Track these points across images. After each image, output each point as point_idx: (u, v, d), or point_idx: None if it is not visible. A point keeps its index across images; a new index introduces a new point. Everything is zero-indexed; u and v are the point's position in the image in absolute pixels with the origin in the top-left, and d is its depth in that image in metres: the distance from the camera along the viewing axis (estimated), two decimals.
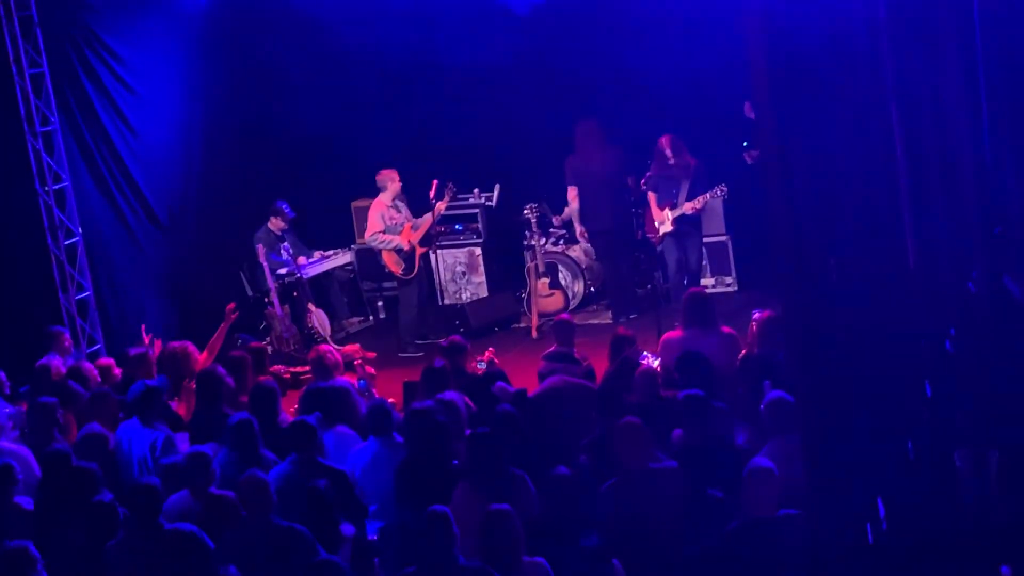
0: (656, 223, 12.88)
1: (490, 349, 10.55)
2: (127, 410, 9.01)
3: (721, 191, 12.76)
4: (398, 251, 13.29)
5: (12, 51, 12.62)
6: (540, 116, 15.16)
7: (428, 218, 13.29)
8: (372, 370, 10.66)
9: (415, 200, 13.67)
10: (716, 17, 13.40)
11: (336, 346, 13.16)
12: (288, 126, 15.92)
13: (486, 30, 15.17)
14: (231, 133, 15.21)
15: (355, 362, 10.59)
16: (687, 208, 12.69)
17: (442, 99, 15.67)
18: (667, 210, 12.77)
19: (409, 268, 13.34)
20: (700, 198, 12.68)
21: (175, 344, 10.36)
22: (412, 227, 13.34)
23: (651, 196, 12.99)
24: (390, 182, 13.42)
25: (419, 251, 13.35)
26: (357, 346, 11.18)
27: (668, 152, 12.74)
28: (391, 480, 7.65)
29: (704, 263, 13.69)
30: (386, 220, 13.37)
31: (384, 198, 13.43)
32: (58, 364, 10.31)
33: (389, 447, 8.08)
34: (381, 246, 13.37)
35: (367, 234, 13.51)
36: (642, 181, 13.04)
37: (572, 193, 13.39)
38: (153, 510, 7.10)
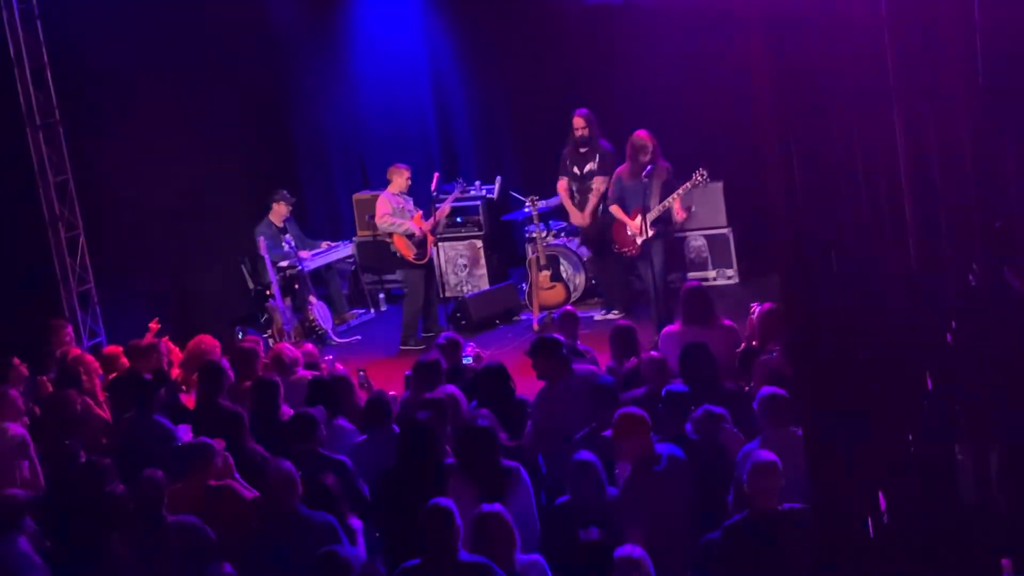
0: (630, 234, 11.99)
1: (471, 344, 10.54)
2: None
3: (701, 175, 11.83)
4: (409, 236, 13.31)
5: (13, 44, 12.62)
6: (542, 108, 15.17)
7: (437, 215, 13.32)
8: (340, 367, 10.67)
9: (416, 192, 13.68)
10: (718, 7, 13.41)
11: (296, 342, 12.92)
12: (290, 118, 15.94)
13: (486, 22, 15.20)
14: (232, 125, 15.21)
15: (322, 363, 10.58)
16: (666, 207, 11.76)
17: (444, 91, 15.68)
18: (639, 217, 11.87)
19: (422, 254, 13.35)
20: (680, 189, 11.73)
21: (197, 339, 10.50)
22: (423, 216, 13.36)
23: (616, 209, 12.16)
24: (397, 176, 13.47)
25: (430, 239, 13.37)
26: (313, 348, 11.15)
27: (651, 147, 11.89)
28: (386, 471, 7.64)
29: (705, 255, 13.66)
30: (393, 205, 13.41)
31: (391, 189, 13.48)
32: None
33: (388, 439, 8.07)
34: (392, 228, 13.38)
35: (377, 218, 13.52)
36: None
37: (562, 184, 13.12)
38: (156, 502, 7.10)
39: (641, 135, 12.09)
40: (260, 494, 7.43)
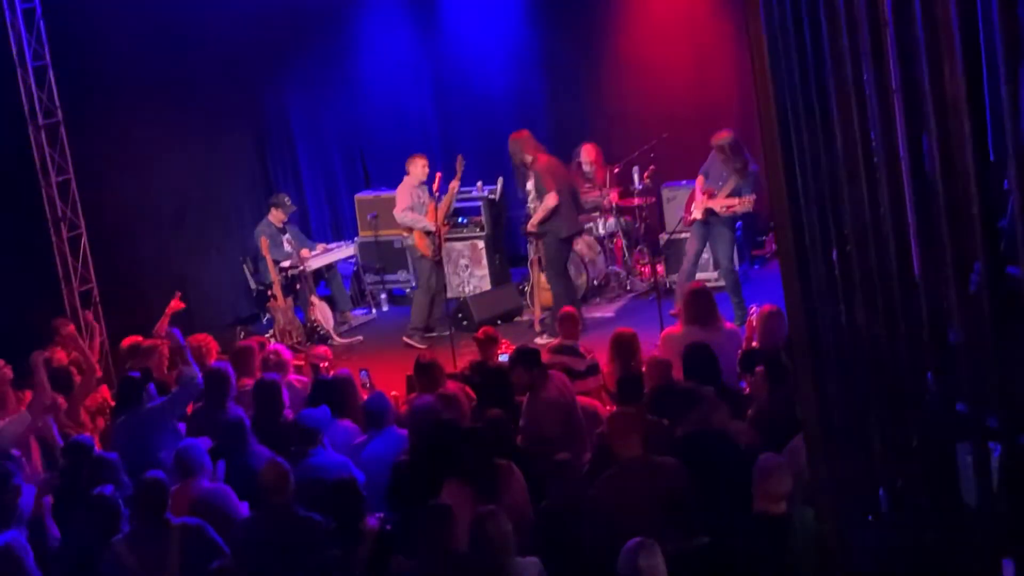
0: (692, 206, 12.50)
1: (504, 341, 10.55)
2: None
3: (750, 201, 12.08)
4: (427, 233, 13.35)
5: (15, 43, 12.63)
6: (543, 108, 15.18)
7: (446, 199, 13.36)
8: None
9: None
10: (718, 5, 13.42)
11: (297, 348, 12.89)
12: (292, 118, 15.94)
13: (486, 23, 15.21)
14: (235, 124, 15.21)
15: (322, 365, 10.55)
16: (716, 205, 12.15)
17: (445, 91, 15.69)
18: (705, 197, 12.28)
19: (437, 250, 13.39)
20: (728, 201, 12.09)
21: (192, 339, 10.46)
22: (435, 206, 13.39)
23: (700, 179, 12.45)
24: (412, 167, 13.49)
25: (444, 231, 13.40)
26: (327, 350, 11.15)
27: (728, 152, 12.13)
28: (387, 473, 7.64)
29: (707, 256, 13.60)
30: (414, 198, 13.45)
31: (410, 180, 13.51)
32: (61, 355, 10.40)
33: (387, 440, 8.08)
34: (411, 224, 13.43)
35: (397, 210, 13.54)
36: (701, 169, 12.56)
37: (554, 199, 12.66)
38: (160, 504, 7.09)
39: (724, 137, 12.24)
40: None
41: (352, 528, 6.86)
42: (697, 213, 12.36)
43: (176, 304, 11.64)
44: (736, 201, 12.13)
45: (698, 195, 12.40)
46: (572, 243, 13.02)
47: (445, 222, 13.37)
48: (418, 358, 9.23)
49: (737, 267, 12.60)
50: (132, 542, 7.01)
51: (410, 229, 13.45)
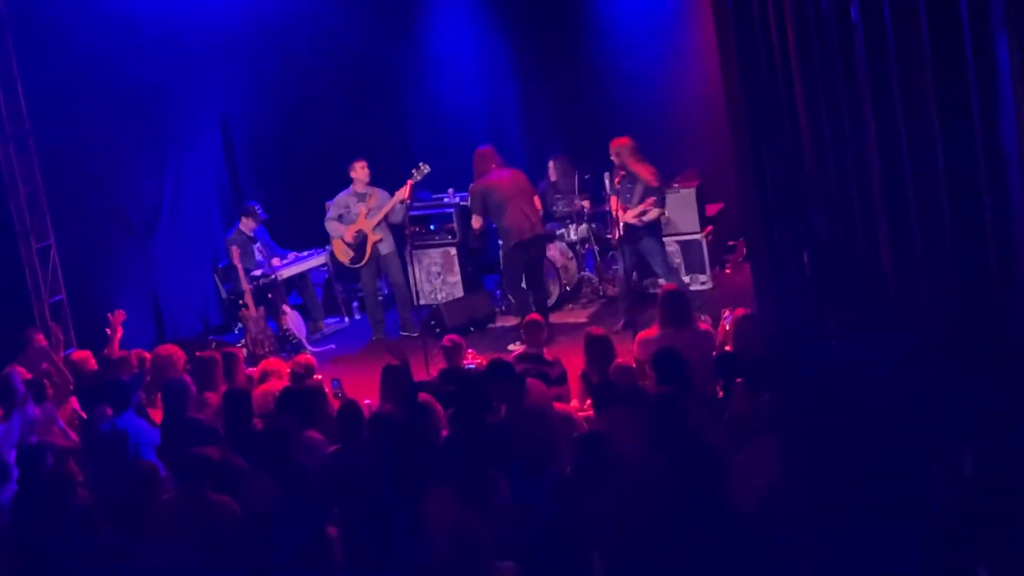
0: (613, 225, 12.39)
1: (470, 351, 10.50)
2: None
3: (660, 211, 12.28)
4: (343, 240, 13.42)
5: None
6: (518, 114, 15.18)
7: (387, 206, 13.39)
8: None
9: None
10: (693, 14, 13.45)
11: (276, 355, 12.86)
12: (261, 126, 15.88)
13: (464, 31, 15.21)
14: (204, 134, 15.15)
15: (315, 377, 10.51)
16: (631, 218, 12.15)
17: (417, 99, 15.68)
18: (620, 213, 12.19)
19: (358, 256, 13.48)
20: (640, 208, 12.15)
21: (160, 349, 10.43)
22: (367, 215, 13.42)
23: (613, 199, 12.39)
24: (352, 171, 13.57)
25: (372, 238, 13.43)
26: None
27: (629, 161, 12.18)
28: (359, 481, 7.62)
29: (678, 261, 13.59)
30: (340, 208, 13.55)
31: (354, 186, 13.58)
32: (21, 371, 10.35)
33: (361, 448, 8.04)
34: (332, 233, 13.76)
35: (326, 219, 13.77)
36: (616, 180, 12.46)
37: (478, 221, 12.96)
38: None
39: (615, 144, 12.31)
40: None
41: (315, 535, 6.86)
42: (619, 231, 12.15)
43: (118, 327, 11.53)
44: (648, 205, 12.12)
45: (615, 213, 12.24)
46: (530, 249, 12.91)
47: (374, 232, 13.43)
48: (387, 364, 9.22)
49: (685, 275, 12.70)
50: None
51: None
